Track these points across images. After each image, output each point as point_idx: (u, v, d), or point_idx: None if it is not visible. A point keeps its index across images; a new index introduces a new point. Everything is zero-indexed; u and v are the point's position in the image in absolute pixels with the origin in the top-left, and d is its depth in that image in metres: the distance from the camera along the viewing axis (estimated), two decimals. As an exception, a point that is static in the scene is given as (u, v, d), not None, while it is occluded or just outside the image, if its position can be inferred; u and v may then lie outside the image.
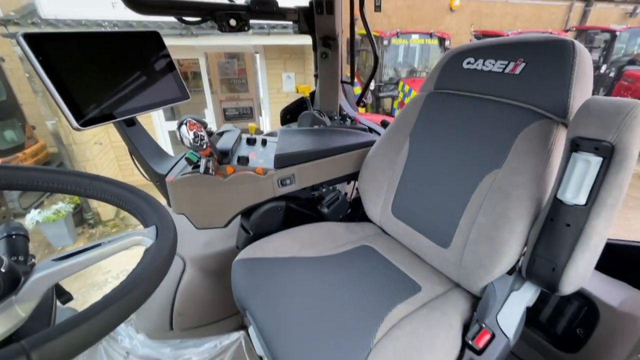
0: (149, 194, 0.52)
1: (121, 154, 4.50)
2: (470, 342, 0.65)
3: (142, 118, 0.91)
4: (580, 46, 0.68)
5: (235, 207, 0.93)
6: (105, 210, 4.06)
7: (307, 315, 0.70)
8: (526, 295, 0.70)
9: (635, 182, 4.48)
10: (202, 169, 0.85)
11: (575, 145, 0.59)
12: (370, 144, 1.08)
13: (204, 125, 0.89)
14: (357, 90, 5.49)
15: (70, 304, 0.56)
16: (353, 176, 1.13)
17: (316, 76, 1.43)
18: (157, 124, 4.68)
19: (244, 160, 0.92)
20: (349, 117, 1.46)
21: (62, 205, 3.52)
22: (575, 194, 0.59)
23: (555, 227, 0.62)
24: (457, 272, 0.80)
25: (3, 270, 0.35)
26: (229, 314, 1.22)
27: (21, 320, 0.36)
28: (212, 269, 1.10)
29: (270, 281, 0.79)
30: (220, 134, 1.04)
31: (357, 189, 1.12)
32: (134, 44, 0.87)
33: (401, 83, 5.84)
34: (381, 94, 6.00)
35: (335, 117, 1.44)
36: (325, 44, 1.30)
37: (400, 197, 0.95)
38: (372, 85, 5.63)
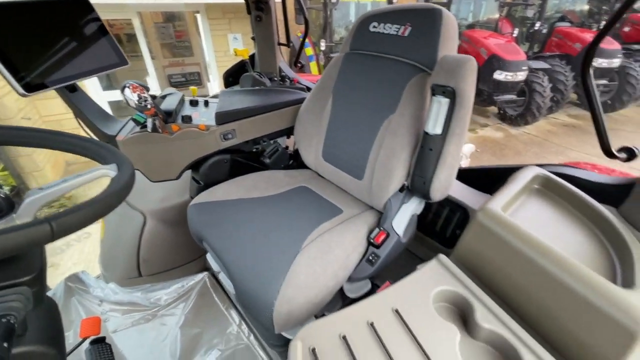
0: (104, 142, 0.65)
1: (53, 128, 4.15)
2: (372, 240, 0.90)
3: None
4: (447, 13, 0.89)
5: (184, 160, 1.07)
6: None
7: (251, 235, 0.90)
8: (412, 205, 0.96)
9: (557, 130, 5.23)
10: (149, 127, 0.96)
11: (433, 91, 0.81)
12: (302, 100, 1.24)
13: (147, 88, 0.99)
14: (310, 51, 5.47)
15: None
16: (290, 130, 1.30)
17: (253, 39, 1.52)
18: (94, 94, 4.34)
19: (187, 119, 1.04)
20: (289, 78, 1.59)
21: (-3, 185, 3.28)
22: (434, 126, 0.82)
23: (424, 152, 0.86)
24: (369, 197, 1.04)
25: (2, 195, 0.48)
26: (192, 258, 1.40)
27: None
28: (171, 220, 1.25)
29: (220, 216, 0.97)
30: (163, 97, 1.14)
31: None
32: (63, 10, 0.91)
33: (350, 43, 5.87)
34: (332, 54, 6.03)
35: (276, 78, 1.56)
36: (257, 7, 1.38)
37: (327, 143, 1.15)
38: (323, 46, 5.61)
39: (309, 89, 1.55)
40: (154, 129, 0.97)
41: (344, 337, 0.55)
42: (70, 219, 0.42)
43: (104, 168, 0.58)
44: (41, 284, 0.51)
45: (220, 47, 4.88)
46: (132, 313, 1.29)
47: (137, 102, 0.85)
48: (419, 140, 0.91)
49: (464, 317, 0.64)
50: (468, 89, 0.78)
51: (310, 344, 0.54)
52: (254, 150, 1.24)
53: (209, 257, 1.03)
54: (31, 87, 0.79)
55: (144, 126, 0.99)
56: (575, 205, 0.79)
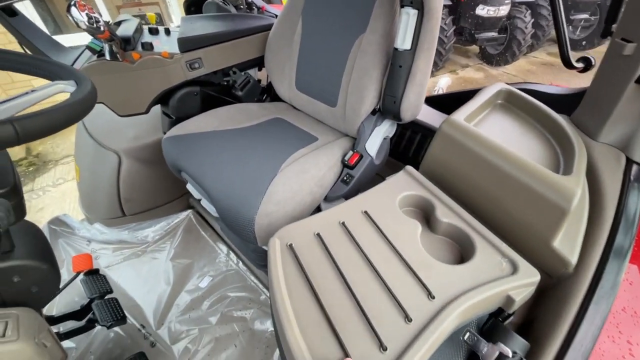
0: (60, 61, 0.61)
1: (5, 82, 3.77)
2: (345, 161, 0.94)
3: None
4: None
5: (150, 92, 1.03)
6: (13, 150, 3.62)
7: (228, 160, 0.91)
8: (384, 127, 0.99)
9: (536, 70, 5.23)
10: (107, 55, 0.90)
11: (402, 2, 0.79)
12: (271, 26, 1.17)
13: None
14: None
15: None
16: (261, 60, 1.24)
17: (214, -41, 1.36)
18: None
19: (148, 46, 0.97)
20: (256, 6, 1.48)
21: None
22: (402, 41, 0.81)
23: (394, 70, 0.86)
24: (343, 125, 1.05)
25: None
26: (176, 196, 1.42)
27: None
28: (148, 158, 1.23)
29: (196, 146, 0.97)
30: (118, 24, 1.05)
31: None
32: None
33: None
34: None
35: (242, 6, 1.45)
36: None
37: (300, 71, 1.12)
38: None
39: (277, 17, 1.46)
40: (113, 56, 0.91)
41: (318, 235, 0.61)
42: (34, 122, 0.42)
43: (62, 83, 0.56)
44: (18, 196, 0.52)
45: (181, -19, 4.33)
46: (122, 250, 1.34)
47: (87, 23, 0.79)
48: (389, 59, 0.91)
49: (426, 217, 0.72)
50: None
51: (288, 241, 0.60)
52: (225, 83, 1.20)
53: (189, 186, 1.05)
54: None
55: (101, 55, 0.92)
56: (533, 115, 0.84)
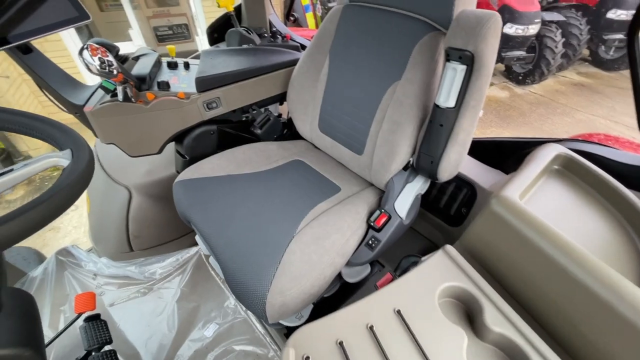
0: (58, 121, 0.54)
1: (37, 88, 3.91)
2: (372, 223, 0.84)
3: (53, 46, 0.83)
4: None
5: (164, 133, 0.96)
6: (37, 153, 3.73)
7: (241, 217, 0.83)
8: (417, 185, 0.88)
9: (565, 90, 4.98)
10: (120, 97, 0.84)
11: (448, 55, 0.69)
12: (295, 62, 1.10)
13: (112, 49, 0.84)
14: (306, 0, 4.96)
15: None
16: (283, 96, 1.17)
17: (239, -14, 1.31)
18: (73, 49, 4.01)
19: (164, 86, 0.91)
20: (280, 34, 1.42)
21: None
22: (446, 98, 0.71)
23: (433, 127, 0.76)
24: (369, 174, 0.95)
25: None
26: (185, 232, 1.35)
27: None
28: (158, 194, 1.17)
29: (208, 196, 0.89)
30: (136, 59, 0.99)
31: None
32: None
33: (351, -10, 5.35)
34: (330, 4, 5.51)
35: (266, 35, 1.39)
36: (242, -55, 1.17)
37: (324, 113, 1.03)
38: (319, -6, 5.09)
39: (303, 47, 1.38)
40: (126, 98, 0.85)
41: (341, 343, 0.51)
42: (10, 228, 0.34)
43: (55, 156, 0.48)
44: None
45: (207, -5, 4.41)
46: (128, 286, 1.28)
47: (99, 68, 0.73)
48: (427, 113, 0.80)
49: (470, 313, 0.60)
50: (489, 53, 0.66)
51: (304, 352, 0.50)
52: (243, 119, 1.12)
53: (197, 239, 0.97)
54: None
55: (114, 94, 0.87)
56: (600, 189, 0.71)
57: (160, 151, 0.99)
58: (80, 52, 0.72)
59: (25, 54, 0.82)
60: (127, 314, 1.20)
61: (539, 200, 0.69)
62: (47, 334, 1.09)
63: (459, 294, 0.60)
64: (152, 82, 0.93)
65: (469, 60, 0.66)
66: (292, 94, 1.09)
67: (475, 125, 0.76)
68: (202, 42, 4.85)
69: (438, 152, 0.77)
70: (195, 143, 1.03)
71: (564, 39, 4.59)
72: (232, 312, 1.22)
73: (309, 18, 4.87)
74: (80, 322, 0.95)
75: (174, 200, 0.94)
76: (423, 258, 0.65)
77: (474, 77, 0.68)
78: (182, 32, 5.17)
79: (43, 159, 0.47)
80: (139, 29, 4.38)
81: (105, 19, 4.77)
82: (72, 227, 2.33)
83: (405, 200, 0.87)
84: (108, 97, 0.87)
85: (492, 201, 0.64)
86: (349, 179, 1.01)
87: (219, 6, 1.23)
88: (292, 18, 1.53)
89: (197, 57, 1.17)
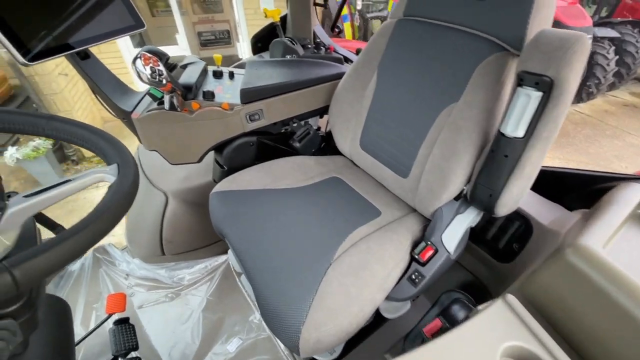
0: (109, 133, 0.53)
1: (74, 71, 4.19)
2: (416, 256, 0.77)
3: (107, 47, 0.86)
4: None
5: (205, 143, 0.96)
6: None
7: (276, 236, 0.79)
8: (469, 218, 0.80)
9: (615, 110, 4.57)
10: (167, 105, 0.85)
11: (520, 80, 0.61)
12: (340, 76, 1.06)
13: (162, 57, 0.85)
14: (344, 10, 4.97)
15: None
16: (325, 110, 1.13)
17: (287, -3, 1.31)
18: (126, 53, 4.28)
19: (209, 95, 0.90)
20: (324, 45, 1.39)
21: (40, 142, 3.43)
22: (514, 127, 0.63)
23: (495, 158, 0.68)
24: (414, 199, 0.88)
25: None
26: (216, 239, 1.35)
27: (7, 248, 0.41)
28: (194, 201, 1.17)
29: (244, 210, 0.87)
30: (184, 67, 1.00)
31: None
32: None
33: (391, 1, 5.30)
34: (369, 15, 5.49)
35: (309, 46, 1.37)
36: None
37: (367, 130, 0.98)
38: (359, 4, 5.09)
39: (346, 60, 1.34)
40: (172, 107, 0.85)
41: None
42: (39, 262, 0.32)
43: (102, 171, 0.47)
44: (31, 309, 0.43)
45: (250, 4, 4.54)
46: (156, 290, 1.29)
47: (150, 77, 0.73)
48: (488, 141, 0.73)
49: None
50: (572, 80, 0.57)
51: None
52: (283, 131, 1.10)
53: (230, 254, 0.94)
54: (34, 55, 0.69)
55: (161, 102, 0.87)
56: None
57: (200, 160, 0.98)
58: (134, 61, 0.73)
59: (83, 60, 0.85)
60: (154, 318, 1.20)
61: (623, 251, 0.59)
62: (79, 331, 1.12)
63: (525, 357, 0.52)
64: (197, 90, 0.93)
65: (547, 87, 0.58)
66: (334, 108, 1.05)
67: (543, 158, 0.68)
68: (242, 48, 5.00)
69: (499, 185, 0.68)
70: (235, 154, 1.02)
71: (617, 57, 4.22)
72: (256, 327, 1.18)
73: (347, 28, 4.88)
74: (109, 323, 0.96)
75: (210, 211, 0.93)
76: (479, 307, 0.57)
77: (550, 105, 0.60)
78: (224, 38, 5.37)
79: (90, 174, 0.46)
80: (185, 33, 4.59)
81: (155, 23, 5.06)
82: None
83: (455, 233, 0.79)
84: (155, 105, 0.87)
85: (567, 251, 0.55)
86: (390, 203, 0.94)
87: (265, 16, 1.23)
88: (337, 30, 1.50)
89: (241, 66, 1.16)
